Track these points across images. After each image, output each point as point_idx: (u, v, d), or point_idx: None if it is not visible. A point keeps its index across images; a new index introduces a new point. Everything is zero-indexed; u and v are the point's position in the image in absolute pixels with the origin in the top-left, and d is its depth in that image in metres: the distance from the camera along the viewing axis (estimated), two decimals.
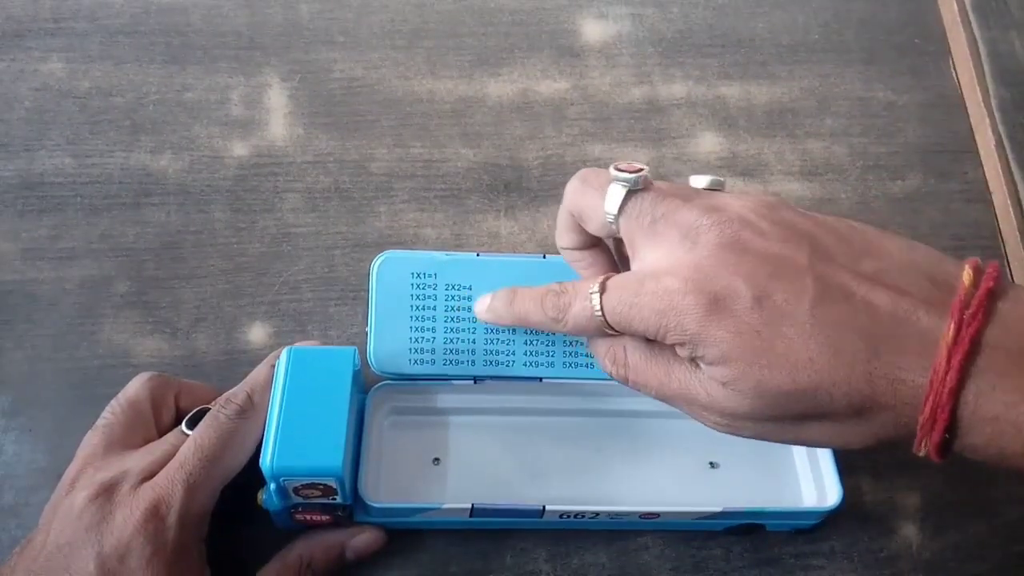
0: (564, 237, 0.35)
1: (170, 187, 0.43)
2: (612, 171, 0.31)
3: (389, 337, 0.36)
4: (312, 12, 0.48)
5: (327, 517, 0.34)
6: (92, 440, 0.34)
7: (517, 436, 0.38)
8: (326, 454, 0.31)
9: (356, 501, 0.34)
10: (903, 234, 0.32)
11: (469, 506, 0.34)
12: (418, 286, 0.37)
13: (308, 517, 0.34)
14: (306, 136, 0.45)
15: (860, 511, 0.40)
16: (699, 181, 0.33)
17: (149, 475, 0.31)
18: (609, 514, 0.35)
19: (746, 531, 0.37)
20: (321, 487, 0.32)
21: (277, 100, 0.45)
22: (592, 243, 0.34)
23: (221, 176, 0.43)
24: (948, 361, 0.26)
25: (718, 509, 0.35)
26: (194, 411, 0.34)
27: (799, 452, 0.39)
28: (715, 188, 0.33)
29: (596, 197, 0.31)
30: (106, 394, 0.35)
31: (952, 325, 0.26)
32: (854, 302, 0.27)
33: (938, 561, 0.39)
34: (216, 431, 0.32)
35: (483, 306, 0.35)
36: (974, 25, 0.51)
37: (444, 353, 0.36)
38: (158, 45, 0.46)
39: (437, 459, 0.37)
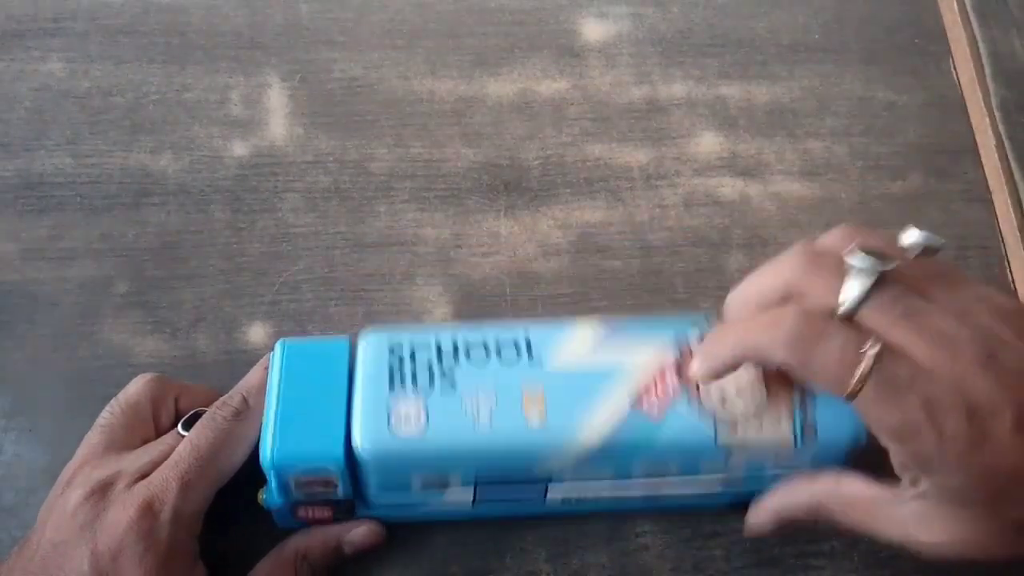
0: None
1: (170, 187, 0.43)
2: (849, 258, 0.27)
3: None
4: (312, 12, 0.48)
5: (329, 512, 0.34)
6: (91, 440, 0.34)
7: None
8: (326, 445, 0.31)
9: (357, 495, 0.34)
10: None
11: (471, 488, 0.33)
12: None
13: (310, 513, 0.34)
14: (306, 136, 0.45)
15: None
16: (912, 237, 0.29)
17: (144, 474, 0.32)
18: (612, 488, 0.34)
19: (748, 505, 0.36)
20: (322, 480, 0.32)
21: (277, 100, 0.45)
22: None
23: (221, 176, 0.43)
24: None
25: (721, 484, 0.34)
26: (190, 413, 0.34)
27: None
28: (932, 249, 0.30)
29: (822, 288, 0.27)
30: (106, 394, 0.35)
31: None
32: None
33: (939, 561, 0.39)
34: (212, 432, 0.32)
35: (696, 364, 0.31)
36: (974, 25, 0.51)
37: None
38: (158, 45, 0.46)
39: None
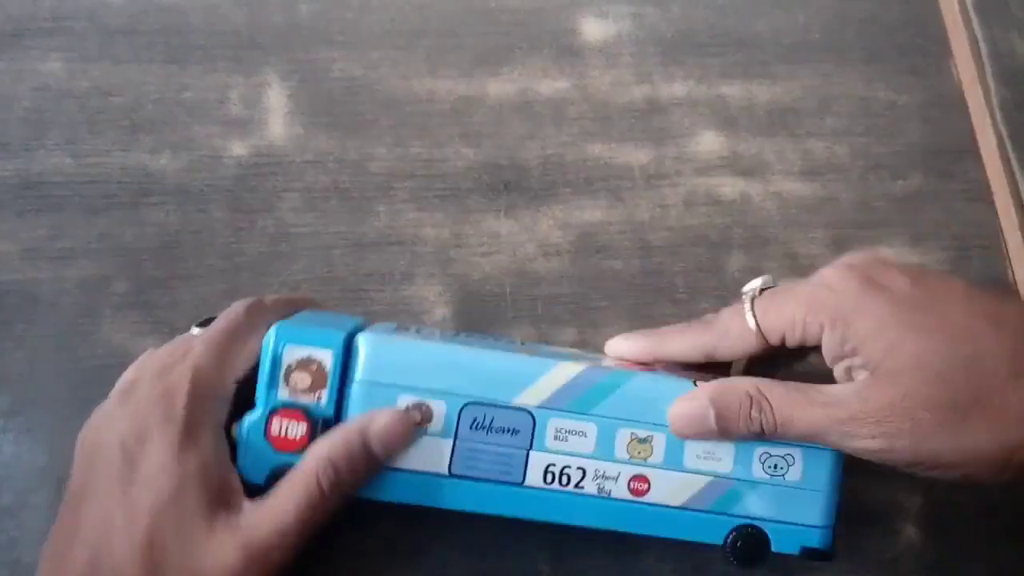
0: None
1: (169, 187, 0.43)
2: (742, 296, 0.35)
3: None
4: (312, 11, 0.48)
5: (305, 430, 0.33)
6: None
7: None
8: (327, 332, 0.33)
9: (338, 418, 0.33)
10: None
11: (451, 441, 0.33)
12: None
13: (284, 431, 0.33)
14: (305, 136, 0.45)
15: (862, 512, 0.40)
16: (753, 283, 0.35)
17: (166, 371, 0.33)
18: (596, 473, 0.34)
19: (747, 544, 0.34)
20: (314, 367, 0.32)
21: (276, 100, 0.45)
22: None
23: (220, 176, 0.43)
24: None
25: (709, 479, 0.34)
26: (205, 318, 0.36)
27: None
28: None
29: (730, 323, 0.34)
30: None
31: None
32: (1003, 307, 0.29)
33: (940, 562, 0.39)
34: (223, 321, 0.34)
35: (619, 347, 0.36)
36: (975, 24, 0.51)
37: None
38: (157, 45, 0.46)
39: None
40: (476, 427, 0.33)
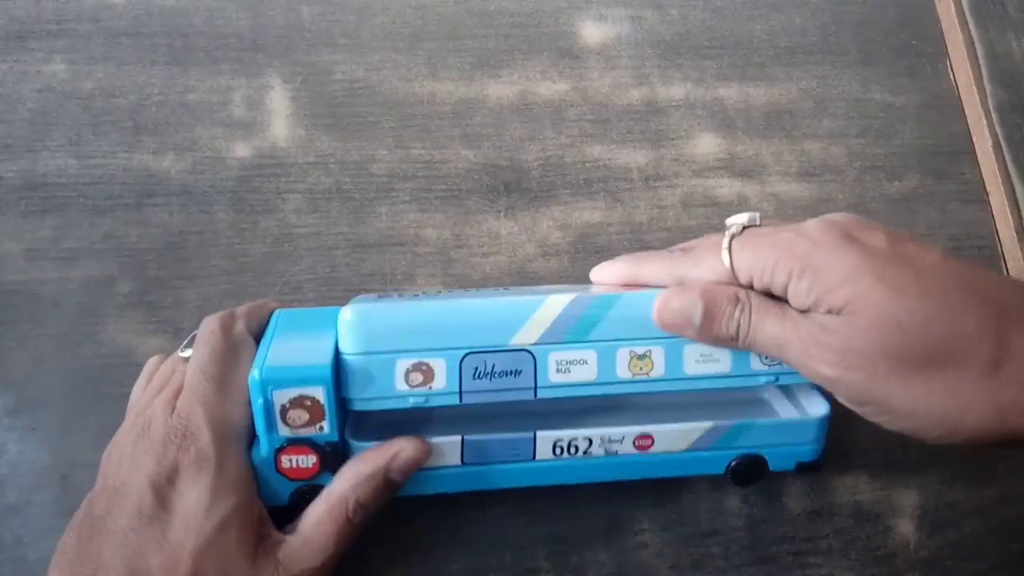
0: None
1: (173, 188, 0.43)
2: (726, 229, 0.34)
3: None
4: (314, 14, 0.48)
5: (315, 460, 0.33)
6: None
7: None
8: (314, 360, 0.32)
9: (343, 443, 0.34)
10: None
11: (459, 439, 0.34)
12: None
13: (295, 463, 0.33)
14: (308, 137, 0.45)
15: (857, 509, 0.40)
16: (739, 218, 0.35)
17: (172, 406, 0.33)
18: (602, 440, 0.35)
19: (747, 472, 0.36)
20: (309, 402, 0.32)
21: (279, 101, 0.46)
22: None
23: (223, 177, 0.44)
24: None
25: (709, 425, 0.35)
26: (189, 337, 0.36)
27: (779, 399, 0.38)
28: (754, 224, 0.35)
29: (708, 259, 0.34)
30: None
31: None
32: (976, 275, 0.29)
33: (935, 559, 0.40)
34: (208, 346, 0.34)
35: (601, 272, 0.37)
36: (971, 26, 0.51)
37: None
38: (160, 47, 0.46)
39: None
40: (479, 375, 0.34)
